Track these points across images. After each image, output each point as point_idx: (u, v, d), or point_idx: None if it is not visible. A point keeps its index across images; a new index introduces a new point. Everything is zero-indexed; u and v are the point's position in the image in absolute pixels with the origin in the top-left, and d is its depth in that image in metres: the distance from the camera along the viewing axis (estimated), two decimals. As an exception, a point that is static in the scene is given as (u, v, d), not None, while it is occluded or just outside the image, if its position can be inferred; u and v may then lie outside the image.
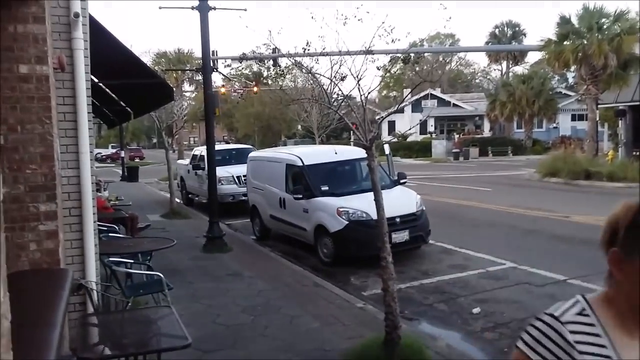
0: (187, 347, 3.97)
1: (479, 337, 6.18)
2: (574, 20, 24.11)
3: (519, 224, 12.66)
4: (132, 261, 6.34)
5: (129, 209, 11.37)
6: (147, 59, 38.85)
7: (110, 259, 5.84)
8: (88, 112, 5.05)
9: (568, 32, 23.97)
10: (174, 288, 6.19)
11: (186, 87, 45.83)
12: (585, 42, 23.01)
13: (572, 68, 25.71)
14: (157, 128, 16.28)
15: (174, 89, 15.75)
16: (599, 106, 25.41)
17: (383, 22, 5.61)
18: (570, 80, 45.98)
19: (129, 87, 8.63)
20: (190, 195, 18.28)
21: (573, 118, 47.63)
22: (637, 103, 26.42)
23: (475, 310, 6.96)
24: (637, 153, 23.74)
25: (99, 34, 5.78)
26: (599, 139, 26.54)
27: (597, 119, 25.91)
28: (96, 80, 7.90)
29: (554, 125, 47.29)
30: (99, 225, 5.76)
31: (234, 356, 5.45)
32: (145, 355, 3.87)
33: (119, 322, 4.57)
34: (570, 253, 9.69)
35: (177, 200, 17.02)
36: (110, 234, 7.85)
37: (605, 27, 23.25)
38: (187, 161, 19.35)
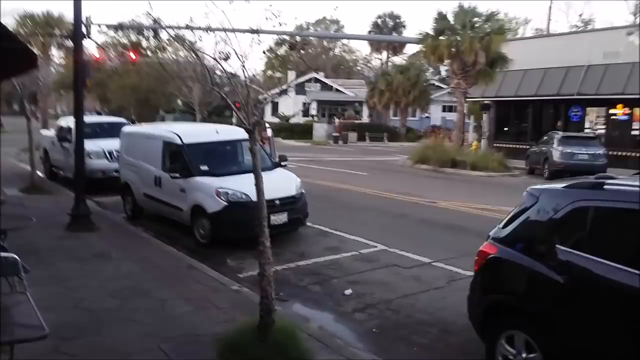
0: (43, 339, 3.67)
1: (350, 318, 6.39)
2: (450, 17, 25.51)
3: (391, 208, 13.27)
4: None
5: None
6: (9, 21, 35.04)
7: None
8: None
9: (444, 28, 25.32)
10: (32, 271, 5.68)
11: (54, 52, 41.91)
12: (459, 38, 24.46)
13: (446, 62, 27.22)
14: (19, 94, 14.78)
15: (41, 55, 14.38)
16: (467, 99, 27.26)
17: (271, 5, 5.48)
18: (443, 73, 48.94)
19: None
20: (54, 169, 16.93)
21: (444, 109, 50.99)
22: (500, 99, 28.79)
23: (347, 291, 7.19)
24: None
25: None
26: (465, 130, 28.52)
27: (465, 111, 27.78)
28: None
29: (427, 115, 50.40)
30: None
31: (96, 343, 5.13)
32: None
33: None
34: (435, 237, 10.35)
35: (40, 173, 15.71)
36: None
37: (477, 25, 24.87)
38: (52, 132, 17.86)
